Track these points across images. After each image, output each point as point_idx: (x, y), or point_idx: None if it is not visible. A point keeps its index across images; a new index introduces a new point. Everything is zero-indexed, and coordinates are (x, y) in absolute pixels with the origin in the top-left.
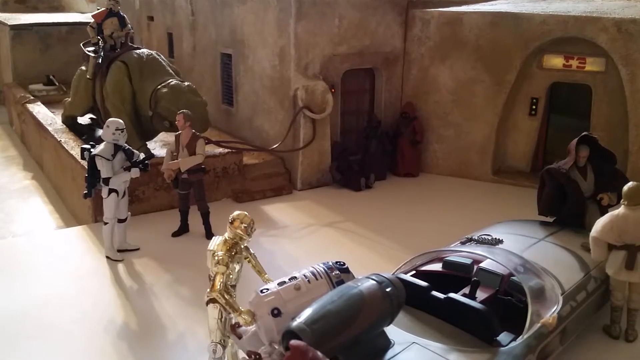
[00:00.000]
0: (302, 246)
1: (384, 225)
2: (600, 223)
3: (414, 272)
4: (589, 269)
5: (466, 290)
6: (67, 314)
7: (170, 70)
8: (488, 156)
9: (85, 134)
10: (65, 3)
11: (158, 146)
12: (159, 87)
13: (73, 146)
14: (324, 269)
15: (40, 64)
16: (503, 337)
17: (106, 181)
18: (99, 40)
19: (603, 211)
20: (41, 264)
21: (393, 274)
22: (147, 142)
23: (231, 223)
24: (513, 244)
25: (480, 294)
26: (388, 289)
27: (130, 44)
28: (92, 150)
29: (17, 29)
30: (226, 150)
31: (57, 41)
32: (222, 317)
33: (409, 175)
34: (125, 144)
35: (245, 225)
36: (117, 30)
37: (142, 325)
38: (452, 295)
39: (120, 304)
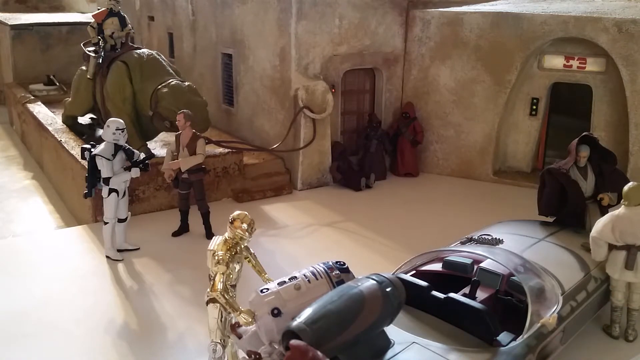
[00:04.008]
0: (302, 246)
1: (384, 225)
2: (600, 223)
3: (414, 272)
4: (589, 269)
5: (466, 290)
6: (67, 313)
7: (171, 70)
8: (488, 156)
9: (86, 134)
10: (65, 3)
11: (158, 146)
12: (159, 87)
13: (73, 146)
14: (324, 269)
15: (40, 64)
16: (503, 337)
17: (106, 181)
18: (99, 40)
19: (603, 211)
20: (41, 264)
21: (393, 274)
22: (147, 142)
23: (231, 223)
24: (513, 244)
25: (480, 294)
26: (388, 289)
27: (130, 44)
28: (92, 150)
29: (18, 28)
30: (226, 150)
31: (58, 41)
32: (222, 316)
33: (409, 175)
34: (126, 144)
35: (246, 225)
36: (117, 30)
37: (142, 325)
38: (452, 295)
39: (120, 304)
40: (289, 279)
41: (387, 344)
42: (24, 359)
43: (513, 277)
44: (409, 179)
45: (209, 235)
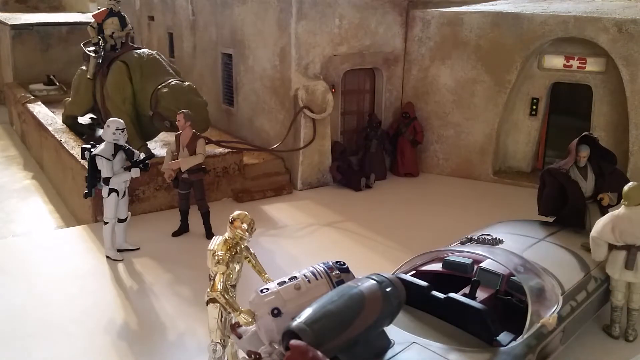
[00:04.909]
0: (302, 246)
1: (384, 225)
2: (600, 223)
3: (414, 272)
4: (589, 269)
5: (466, 290)
6: (67, 313)
7: (171, 70)
8: (488, 156)
9: (86, 134)
10: (65, 3)
11: (158, 146)
12: (159, 87)
13: (73, 146)
14: (324, 269)
15: (40, 64)
16: (503, 337)
17: (106, 181)
18: (99, 40)
19: (603, 211)
20: (41, 263)
21: (393, 274)
22: (147, 142)
23: (231, 223)
24: (513, 244)
25: (480, 294)
26: (388, 289)
27: (130, 43)
28: (92, 150)
29: (18, 28)
30: (226, 150)
31: (58, 41)
32: (222, 316)
33: (409, 175)
34: (126, 144)
35: (246, 225)
36: (117, 30)
37: (142, 325)
38: (452, 295)
39: (120, 304)
40: (289, 279)
41: (387, 344)
42: (24, 359)
43: (513, 277)
44: (409, 179)
45: (209, 235)
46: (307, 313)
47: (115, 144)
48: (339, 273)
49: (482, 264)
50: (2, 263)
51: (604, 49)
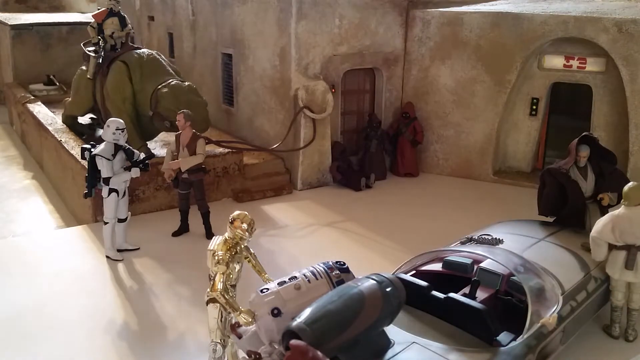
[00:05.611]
0: (302, 246)
1: (384, 225)
2: (600, 223)
3: (414, 272)
4: (589, 269)
5: (466, 290)
6: (67, 313)
7: (171, 70)
8: (488, 156)
9: (86, 134)
10: (65, 3)
11: (158, 146)
12: (159, 87)
13: (73, 146)
14: (324, 269)
15: (40, 64)
16: (503, 337)
17: (106, 181)
18: (99, 40)
19: (603, 211)
20: (41, 263)
21: (393, 274)
22: (147, 142)
23: (231, 223)
24: (513, 244)
25: (480, 294)
26: (388, 289)
27: (130, 43)
28: (92, 150)
29: (18, 28)
30: (226, 150)
31: (58, 41)
32: (222, 316)
33: (409, 175)
34: (126, 144)
35: (246, 225)
36: (117, 30)
37: (142, 325)
38: (452, 295)
39: (120, 304)
40: (289, 279)
41: (387, 344)
42: (24, 359)
43: (513, 277)
44: (409, 179)
45: (209, 235)
46: (307, 313)
47: (115, 144)
48: (339, 273)
49: (482, 264)
50: (2, 263)
51: (604, 49)
